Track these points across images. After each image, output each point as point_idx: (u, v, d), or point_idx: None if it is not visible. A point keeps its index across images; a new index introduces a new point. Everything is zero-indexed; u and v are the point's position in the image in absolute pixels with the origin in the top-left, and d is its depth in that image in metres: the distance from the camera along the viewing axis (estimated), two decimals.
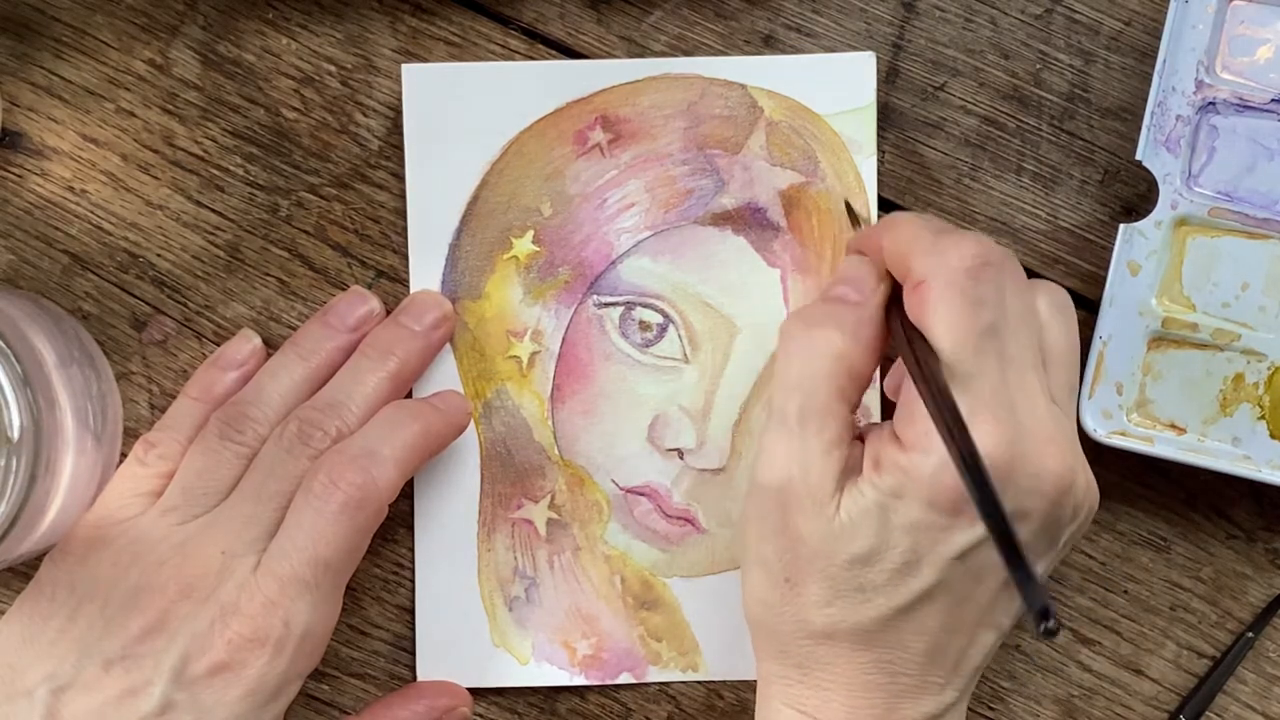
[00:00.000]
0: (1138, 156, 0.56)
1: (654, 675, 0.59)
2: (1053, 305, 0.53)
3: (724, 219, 0.59)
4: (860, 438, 0.53)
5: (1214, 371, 0.57)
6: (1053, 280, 0.59)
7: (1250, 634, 0.59)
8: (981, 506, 0.45)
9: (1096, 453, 0.59)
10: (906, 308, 0.51)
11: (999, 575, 0.51)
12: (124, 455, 0.57)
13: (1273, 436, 0.57)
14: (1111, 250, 0.57)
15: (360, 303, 0.58)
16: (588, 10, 0.59)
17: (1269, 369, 0.57)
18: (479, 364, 0.59)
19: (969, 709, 0.57)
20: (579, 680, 0.59)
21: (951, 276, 0.50)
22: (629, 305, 0.59)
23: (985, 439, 0.48)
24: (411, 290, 0.59)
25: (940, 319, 0.50)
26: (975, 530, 0.50)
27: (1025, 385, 0.51)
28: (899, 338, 0.51)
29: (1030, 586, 0.43)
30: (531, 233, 0.59)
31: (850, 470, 0.51)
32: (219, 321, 0.59)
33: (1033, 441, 0.50)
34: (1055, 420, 0.51)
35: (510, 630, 0.59)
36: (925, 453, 0.49)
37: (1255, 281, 0.57)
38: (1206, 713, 0.59)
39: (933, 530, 0.50)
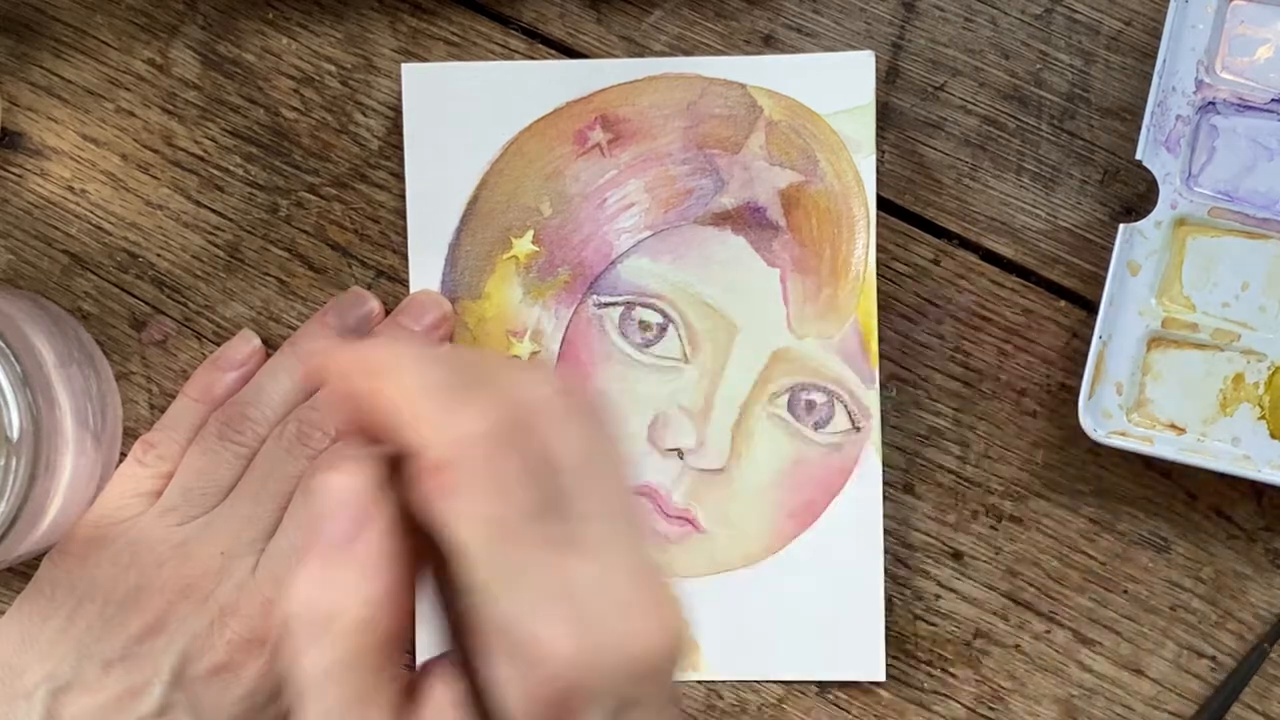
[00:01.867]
0: (1138, 156, 0.56)
1: None
2: (583, 432, 0.40)
3: (724, 219, 0.59)
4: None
5: (1214, 371, 0.57)
6: (1053, 280, 0.59)
7: (1266, 645, 0.59)
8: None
9: (1096, 453, 0.59)
10: (418, 489, 0.38)
11: None
12: (124, 455, 0.57)
13: (1273, 436, 0.57)
14: (1111, 250, 0.57)
15: (360, 303, 0.58)
16: (588, 10, 0.59)
17: (1269, 369, 0.57)
18: None
19: (969, 709, 0.58)
20: None
21: (485, 456, 0.37)
22: (629, 305, 0.59)
23: (554, 648, 0.37)
24: (411, 290, 0.59)
25: (475, 515, 0.37)
26: None
27: (584, 549, 0.38)
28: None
29: None
30: (531, 233, 0.59)
31: None
32: (219, 321, 0.59)
33: (615, 620, 0.38)
34: (631, 574, 0.39)
35: None
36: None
37: (1255, 281, 0.57)
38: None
39: None
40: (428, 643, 0.59)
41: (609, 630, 0.38)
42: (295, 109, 0.59)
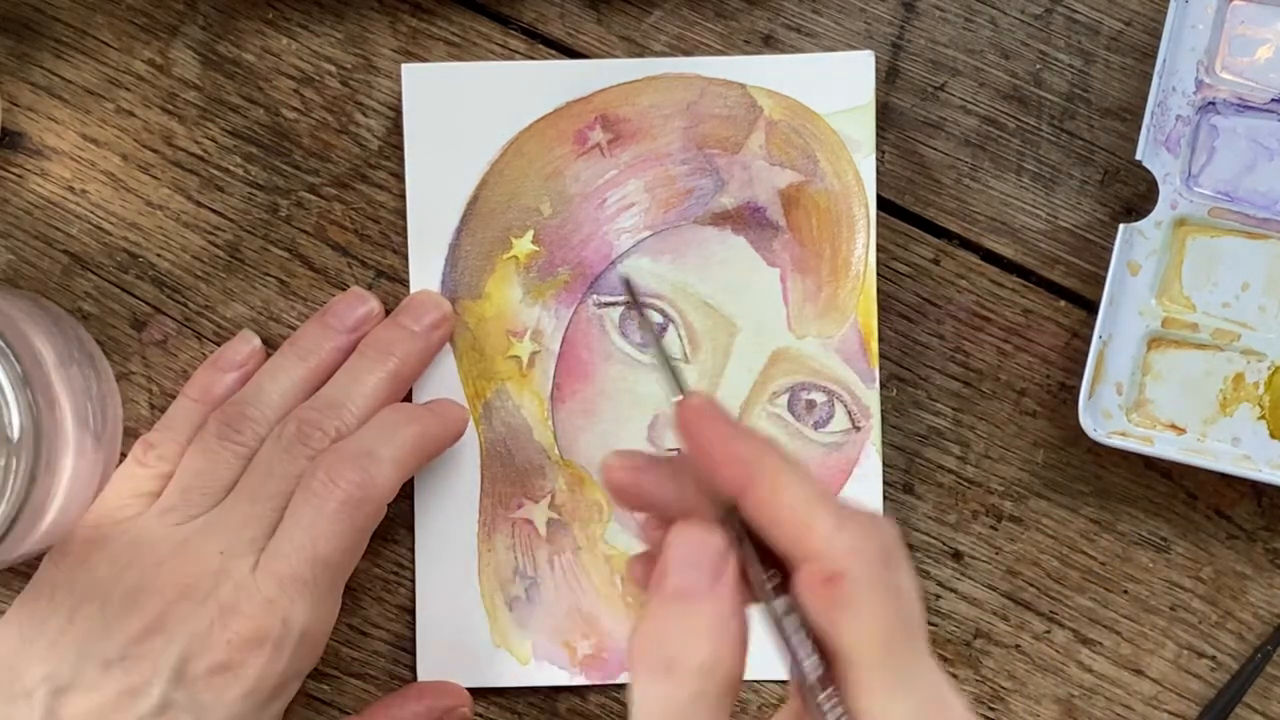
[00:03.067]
0: (1138, 156, 0.56)
1: None
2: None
3: (724, 218, 0.59)
4: None
5: (1214, 371, 0.57)
6: (1053, 280, 0.59)
7: (1270, 648, 0.59)
8: None
9: (1096, 453, 0.59)
10: (804, 596, 0.41)
11: None
12: (124, 455, 0.57)
13: (1273, 436, 0.57)
14: (1111, 250, 0.57)
15: (360, 303, 0.58)
16: (588, 10, 0.59)
17: (1269, 369, 0.57)
18: (479, 364, 0.59)
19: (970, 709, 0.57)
20: (579, 680, 0.59)
21: (874, 571, 0.41)
22: (629, 305, 0.59)
23: None
24: (411, 290, 0.59)
25: (869, 621, 0.41)
26: None
27: (933, 666, 0.43)
28: (782, 640, 0.42)
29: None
30: (531, 232, 0.59)
31: None
32: (219, 321, 0.59)
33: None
34: (955, 691, 0.43)
35: (510, 630, 0.59)
36: None
37: (1255, 281, 0.57)
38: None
39: None
40: (427, 659, 0.59)
41: None
42: (295, 109, 0.59)
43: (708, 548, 0.42)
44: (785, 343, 0.59)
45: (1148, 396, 0.57)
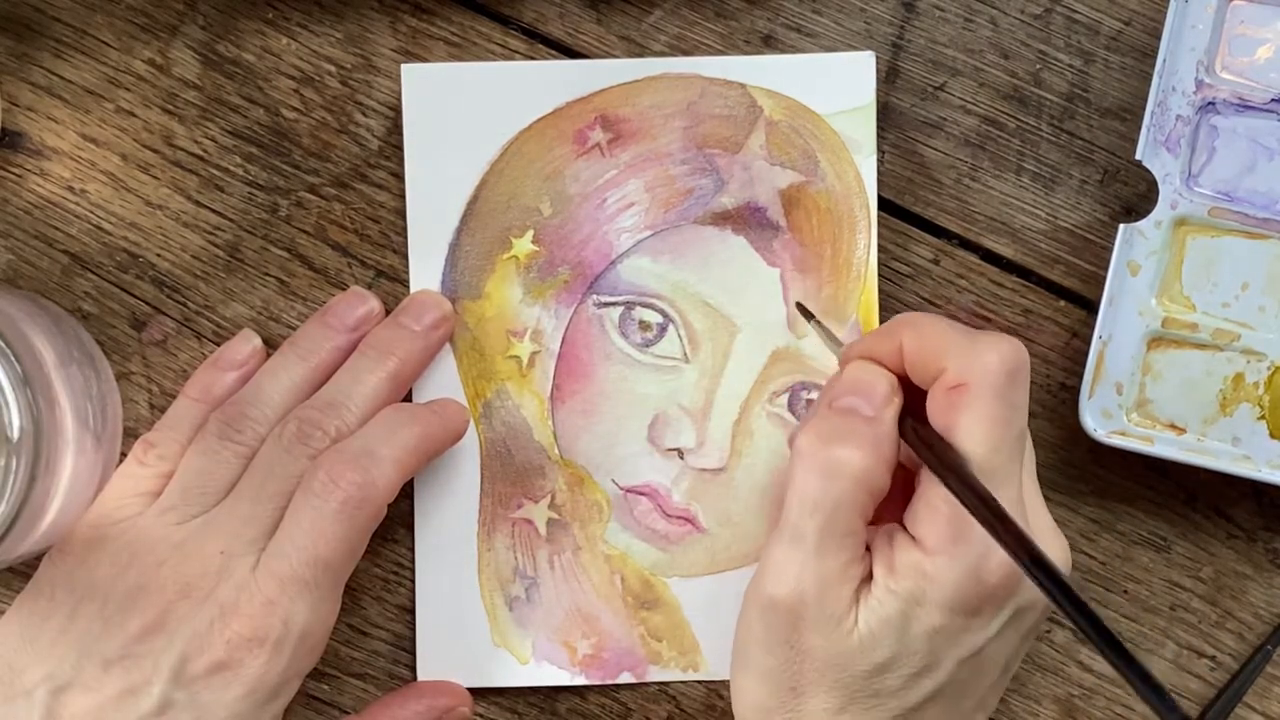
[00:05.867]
0: (1138, 156, 0.56)
1: (654, 675, 0.59)
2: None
3: (724, 218, 0.59)
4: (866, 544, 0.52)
5: (1214, 371, 0.57)
6: (1053, 280, 0.59)
7: (1270, 647, 0.59)
8: (1082, 619, 0.43)
9: (1096, 453, 0.59)
10: (932, 409, 0.51)
11: (998, 667, 0.52)
12: (124, 455, 0.57)
13: (1273, 436, 0.57)
14: (1111, 250, 0.57)
15: (360, 303, 0.58)
16: (588, 10, 0.59)
17: (1269, 369, 0.57)
18: (479, 364, 0.59)
19: None
20: (579, 680, 0.59)
21: (992, 380, 0.49)
22: (629, 305, 0.59)
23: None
24: (411, 290, 0.59)
25: (978, 424, 0.49)
26: (989, 629, 0.51)
27: (1029, 482, 0.52)
28: (920, 447, 0.50)
29: (1161, 697, 0.42)
30: (531, 232, 0.59)
31: (864, 580, 0.51)
32: (219, 321, 0.59)
33: (1040, 538, 0.51)
34: (1045, 509, 0.53)
35: (510, 630, 0.59)
36: (950, 557, 0.49)
37: (1255, 281, 0.57)
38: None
39: (951, 633, 0.50)
40: (427, 659, 0.59)
41: (1049, 549, 0.50)
42: (295, 109, 0.59)
43: (881, 380, 0.52)
44: (785, 343, 0.59)
45: (1148, 396, 0.57)
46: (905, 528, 0.51)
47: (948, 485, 0.48)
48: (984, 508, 0.47)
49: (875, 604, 0.50)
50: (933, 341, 0.51)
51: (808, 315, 0.58)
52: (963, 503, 0.48)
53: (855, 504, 0.50)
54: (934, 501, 0.50)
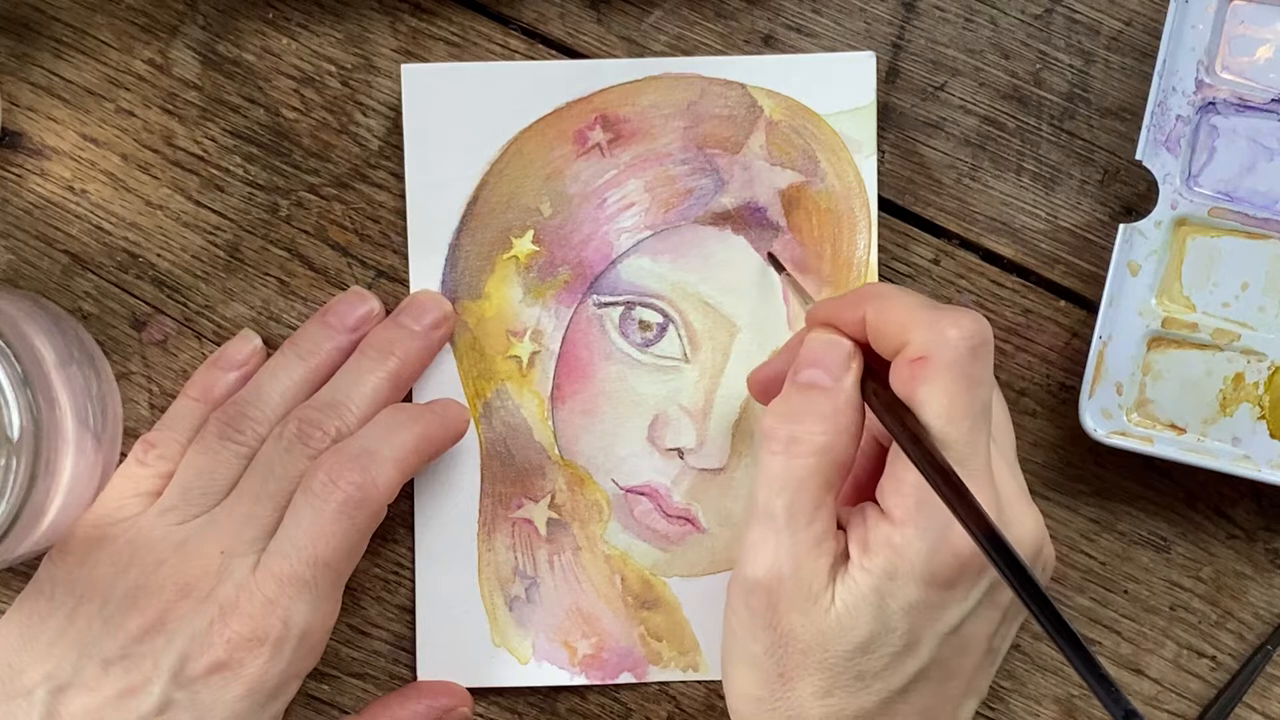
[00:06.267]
0: (1138, 156, 0.56)
1: (654, 675, 0.59)
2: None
3: (724, 218, 0.59)
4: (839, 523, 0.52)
5: (1214, 371, 0.57)
6: (1053, 280, 0.59)
7: (1270, 647, 0.59)
8: (1028, 596, 0.44)
9: (1096, 453, 0.59)
10: (894, 381, 0.50)
11: (982, 646, 0.52)
12: (124, 455, 0.57)
13: (1273, 436, 0.57)
14: (1111, 250, 0.57)
15: (360, 303, 0.58)
16: (588, 10, 0.59)
17: (1269, 369, 0.57)
18: (479, 364, 0.59)
19: None
20: (579, 680, 0.59)
21: (954, 355, 0.49)
22: (629, 305, 0.59)
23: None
24: (411, 290, 0.59)
25: (938, 396, 0.49)
26: (966, 603, 0.50)
27: (996, 454, 0.52)
28: (883, 414, 0.50)
29: (1110, 690, 0.42)
30: (531, 232, 0.59)
31: (838, 558, 0.51)
32: (219, 321, 0.59)
33: (1010, 508, 0.51)
34: (1018, 481, 0.53)
35: (510, 630, 0.59)
36: (919, 529, 0.49)
37: (1255, 281, 0.57)
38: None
39: (928, 608, 0.50)
40: (427, 659, 0.59)
41: (1008, 517, 0.51)
42: (295, 109, 0.59)
43: (838, 349, 0.52)
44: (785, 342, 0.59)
45: (1148, 396, 0.57)
46: (878, 503, 0.51)
47: (904, 449, 0.48)
48: (936, 474, 0.47)
49: (851, 581, 0.50)
50: (896, 314, 0.50)
51: (779, 267, 0.58)
52: (917, 467, 0.48)
53: (820, 477, 0.50)
54: (900, 473, 0.50)
